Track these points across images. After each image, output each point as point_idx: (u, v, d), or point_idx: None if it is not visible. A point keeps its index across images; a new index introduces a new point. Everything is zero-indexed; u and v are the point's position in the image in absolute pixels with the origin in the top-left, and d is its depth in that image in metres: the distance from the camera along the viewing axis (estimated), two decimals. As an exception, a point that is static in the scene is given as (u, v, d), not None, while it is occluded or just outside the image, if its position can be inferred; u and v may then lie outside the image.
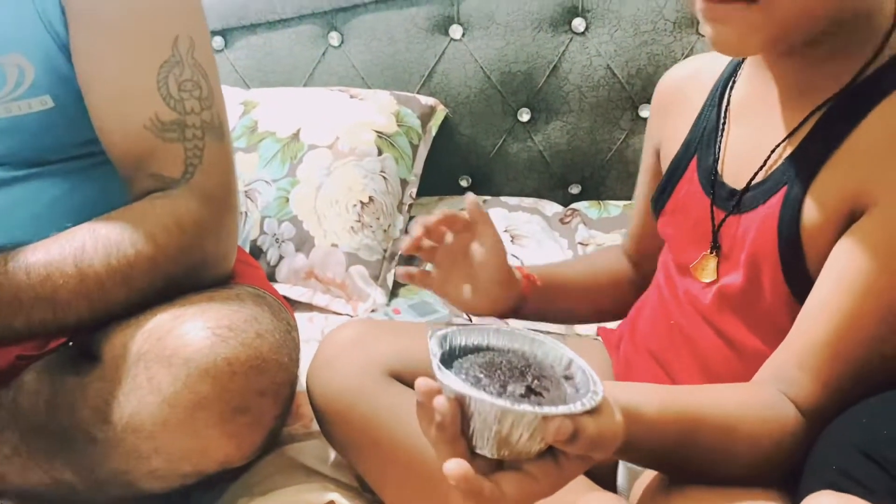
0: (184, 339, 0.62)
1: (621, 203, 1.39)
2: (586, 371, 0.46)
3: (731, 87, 0.65)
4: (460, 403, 0.44)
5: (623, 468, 0.68)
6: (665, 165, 0.70)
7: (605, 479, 0.68)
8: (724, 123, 0.64)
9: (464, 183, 1.47)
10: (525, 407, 0.42)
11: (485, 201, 1.40)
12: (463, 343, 0.49)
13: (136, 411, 0.63)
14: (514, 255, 1.23)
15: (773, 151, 0.59)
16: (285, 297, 1.14)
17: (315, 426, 0.80)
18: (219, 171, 0.73)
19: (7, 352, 0.74)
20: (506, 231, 1.31)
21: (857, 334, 0.52)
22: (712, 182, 0.63)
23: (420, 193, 1.36)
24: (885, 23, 0.55)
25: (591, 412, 0.43)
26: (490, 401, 0.42)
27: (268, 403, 0.64)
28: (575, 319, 0.88)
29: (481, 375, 0.45)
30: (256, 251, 1.20)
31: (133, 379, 0.63)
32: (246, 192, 1.23)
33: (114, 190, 0.74)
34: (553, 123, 1.40)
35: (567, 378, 0.47)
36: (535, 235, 1.29)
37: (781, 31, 0.53)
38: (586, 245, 1.28)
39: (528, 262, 1.20)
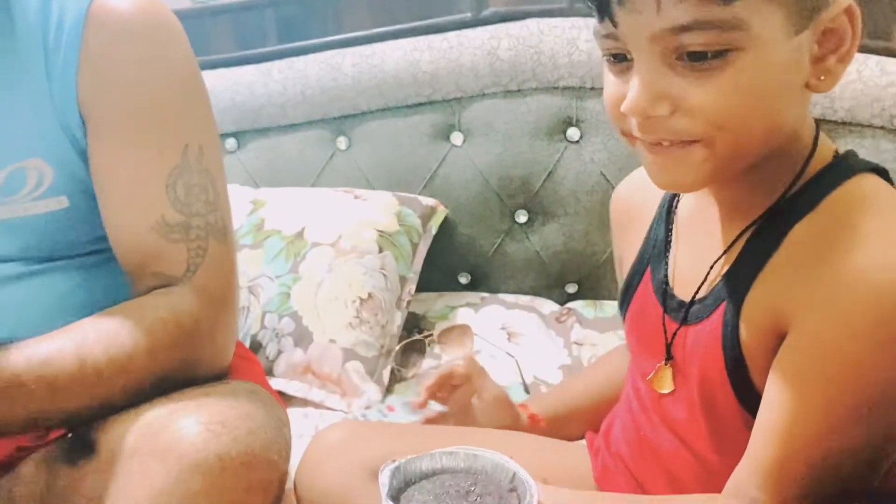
0: (178, 434, 0.64)
1: (616, 303, 1.41)
2: (526, 482, 0.50)
3: (678, 202, 0.68)
4: None
5: None
6: (623, 276, 0.72)
7: None
8: (671, 238, 0.67)
9: (463, 280, 1.51)
10: None
11: (483, 299, 1.43)
12: (417, 470, 0.53)
13: None
14: (510, 354, 1.25)
15: (711, 268, 0.61)
16: (282, 392, 1.16)
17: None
18: (220, 271, 0.76)
19: (7, 443, 0.76)
20: (503, 329, 1.33)
21: (807, 453, 0.52)
22: (664, 294, 0.65)
23: (420, 289, 1.39)
24: (804, 149, 0.58)
25: None
26: None
27: (256, 500, 0.65)
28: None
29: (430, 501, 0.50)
30: (256, 345, 1.22)
31: (128, 473, 0.64)
32: (250, 287, 1.27)
33: (121, 285, 0.77)
34: (549, 225, 1.44)
35: (512, 490, 0.51)
36: (531, 334, 1.31)
37: (721, 167, 0.55)
38: (581, 345, 1.29)
39: (524, 359, 1.22)
